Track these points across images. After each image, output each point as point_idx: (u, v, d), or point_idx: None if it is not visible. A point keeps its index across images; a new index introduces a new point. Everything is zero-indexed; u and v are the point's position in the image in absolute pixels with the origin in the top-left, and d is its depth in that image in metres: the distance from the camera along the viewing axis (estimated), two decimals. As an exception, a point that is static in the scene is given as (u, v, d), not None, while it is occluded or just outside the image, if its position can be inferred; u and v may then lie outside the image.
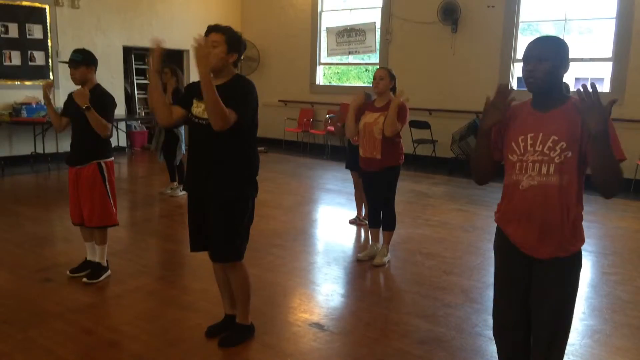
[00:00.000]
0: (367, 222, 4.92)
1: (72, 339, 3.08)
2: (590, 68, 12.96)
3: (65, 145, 4.00)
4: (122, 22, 9.87)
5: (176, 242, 5.08)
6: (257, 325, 3.16)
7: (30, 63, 8.77)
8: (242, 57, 2.90)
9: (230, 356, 2.95)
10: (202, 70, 2.55)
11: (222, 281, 3.08)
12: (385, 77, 4.22)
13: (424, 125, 8.98)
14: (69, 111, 3.86)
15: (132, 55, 11.07)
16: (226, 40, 2.76)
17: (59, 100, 8.52)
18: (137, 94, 11.34)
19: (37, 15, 8.77)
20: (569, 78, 2.14)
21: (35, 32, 8.79)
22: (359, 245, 5.11)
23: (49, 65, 8.95)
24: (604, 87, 8.60)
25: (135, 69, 11.27)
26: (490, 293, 3.64)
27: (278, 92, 11.18)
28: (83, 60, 3.73)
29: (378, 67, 9.73)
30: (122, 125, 10.14)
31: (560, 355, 2.16)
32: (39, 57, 8.86)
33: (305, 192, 7.47)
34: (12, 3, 8.45)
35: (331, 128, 9.68)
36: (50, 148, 8.79)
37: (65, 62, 3.83)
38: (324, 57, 11.05)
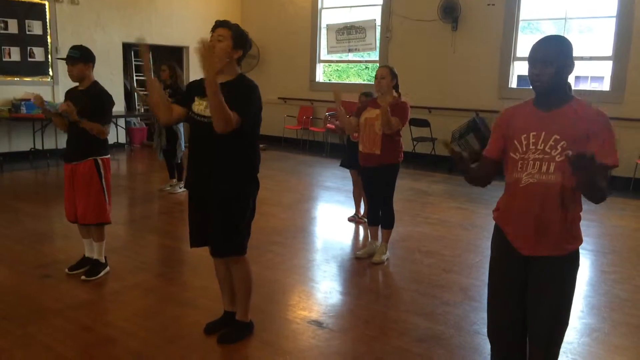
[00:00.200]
0: (366, 219, 4.92)
1: (71, 336, 3.09)
2: (590, 67, 12.97)
3: (64, 142, 3.98)
4: (121, 19, 9.85)
5: (175, 238, 5.08)
6: (256, 322, 3.16)
7: (29, 59, 8.75)
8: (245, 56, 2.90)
9: (229, 353, 2.95)
10: (208, 75, 2.51)
11: (223, 277, 3.08)
12: (386, 76, 4.21)
13: (424, 123, 8.98)
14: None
15: (132, 52, 11.05)
16: (232, 36, 2.75)
17: (59, 97, 8.53)
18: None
19: (36, 11, 8.75)
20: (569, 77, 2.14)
21: (35, 28, 8.77)
22: (358, 243, 5.11)
23: (48, 62, 8.93)
24: (604, 86, 8.59)
25: (135, 65, 11.25)
26: (489, 291, 3.64)
27: (278, 90, 11.17)
28: (81, 57, 3.72)
29: (378, 64, 9.78)
30: (121, 122, 10.13)
31: (556, 354, 2.16)
32: (38, 53, 8.84)
33: (305, 190, 7.47)
34: (11, -1, 8.45)
35: (331, 126, 9.67)
36: (49, 144, 8.79)
37: (63, 59, 3.82)
38: (323, 54, 11.03)
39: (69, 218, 3.96)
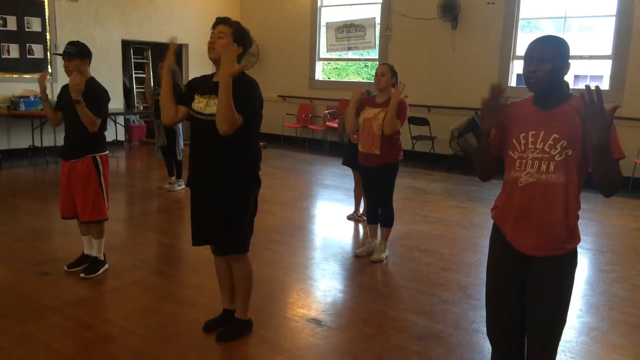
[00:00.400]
0: (365, 218, 4.91)
1: (70, 333, 3.09)
2: (589, 65, 12.97)
3: (62, 139, 3.97)
4: (120, 16, 9.84)
5: (174, 236, 5.08)
6: (254, 320, 3.16)
7: (28, 56, 8.74)
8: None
9: (228, 351, 2.95)
10: (225, 75, 2.57)
11: (223, 275, 3.08)
12: (386, 73, 4.20)
13: (423, 122, 8.97)
14: (63, 104, 3.81)
15: (131, 49, 11.03)
16: (233, 33, 2.76)
17: (57, 92, 8.51)
18: (136, 88, 11.31)
19: (35, 8, 8.73)
20: (568, 76, 2.13)
21: (34, 25, 8.75)
22: (357, 241, 5.11)
23: (47, 58, 8.92)
24: (604, 85, 8.59)
25: (134, 62, 11.24)
26: (487, 290, 3.65)
27: (277, 88, 11.16)
28: (77, 53, 3.70)
29: (377, 63, 9.77)
30: (120, 120, 10.12)
31: (555, 353, 2.16)
32: (37, 50, 8.83)
33: (304, 188, 7.47)
34: (10, -5, 8.43)
35: (334, 124, 9.69)
36: (48, 141, 8.78)
37: (60, 55, 3.80)
38: (323, 52, 11.02)
39: (64, 214, 3.94)
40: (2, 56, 8.47)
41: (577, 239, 2.09)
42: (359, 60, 12.40)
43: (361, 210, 5.68)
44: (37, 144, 8.70)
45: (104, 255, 4.02)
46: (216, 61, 2.75)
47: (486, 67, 8.79)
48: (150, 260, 4.42)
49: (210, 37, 2.79)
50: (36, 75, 8.72)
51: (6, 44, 8.49)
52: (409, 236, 5.13)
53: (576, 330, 3.28)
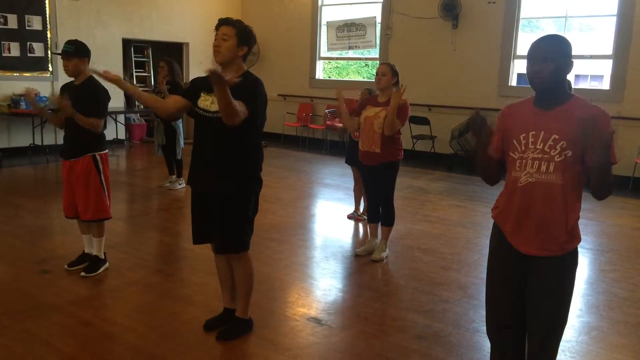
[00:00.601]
0: (365, 217, 4.91)
1: (70, 331, 3.09)
2: (590, 65, 12.96)
3: (63, 138, 3.96)
4: (121, 14, 9.83)
5: (174, 235, 5.08)
6: (255, 319, 3.16)
7: (29, 54, 8.73)
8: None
9: (228, 350, 2.96)
10: (221, 89, 2.42)
11: (224, 274, 3.08)
12: (387, 73, 4.20)
13: (424, 121, 8.97)
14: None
15: (132, 48, 11.03)
16: (237, 34, 2.75)
17: (57, 92, 8.50)
18: (137, 86, 11.30)
19: (36, 6, 8.72)
20: (569, 75, 2.14)
21: (35, 23, 8.75)
22: (357, 240, 5.12)
23: (47, 57, 8.92)
24: (604, 85, 8.59)
25: (135, 61, 11.23)
26: (487, 289, 3.65)
27: (277, 87, 11.15)
28: (76, 52, 3.68)
29: (378, 62, 9.76)
30: (120, 118, 10.11)
31: (555, 352, 2.17)
32: (38, 49, 8.82)
33: (304, 187, 7.47)
34: (11, -6, 8.42)
35: (335, 123, 9.70)
36: (48, 140, 8.77)
37: (58, 54, 3.79)
38: (323, 51, 11.02)
39: (68, 214, 3.95)
40: (3, 54, 8.47)
41: (577, 239, 2.10)
42: (360, 59, 12.40)
43: (361, 209, 5.68)
44: (38, 142, 8.70)
45: (105, 253, 4.02)
46: (223, 64, 2.73)
47: (487, 66, 8.79)
48: (151, 259, 4.43)
49: (215, 40, 2.75)
50: (37, 74, 8.75)
51: (7, 42, 8.48)
52: (409, 235, 5.13)
53: (576, 330, 3.28)
